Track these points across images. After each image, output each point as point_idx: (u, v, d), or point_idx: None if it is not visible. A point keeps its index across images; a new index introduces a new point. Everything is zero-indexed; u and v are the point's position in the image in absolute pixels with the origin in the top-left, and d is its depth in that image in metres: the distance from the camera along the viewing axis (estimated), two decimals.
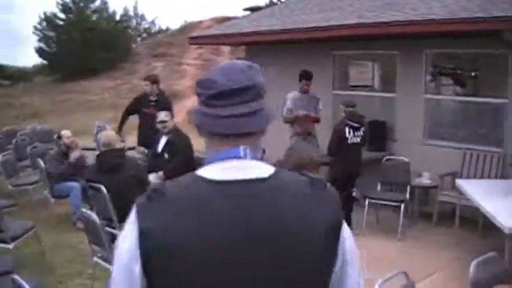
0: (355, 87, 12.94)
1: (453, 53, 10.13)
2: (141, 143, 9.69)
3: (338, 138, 8.40)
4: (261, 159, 1.71)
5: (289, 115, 9.39)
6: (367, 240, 7.94)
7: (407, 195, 8.69)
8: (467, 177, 9.04)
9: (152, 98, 9.71)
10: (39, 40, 34.94)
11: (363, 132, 8.48)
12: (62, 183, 9.14)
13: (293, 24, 10.68)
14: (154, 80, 9.81)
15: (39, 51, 35.10)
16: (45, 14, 34.77)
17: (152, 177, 8.48)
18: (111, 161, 7.23)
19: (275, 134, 9.99)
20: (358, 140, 8.44)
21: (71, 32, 33.96)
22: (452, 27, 8.37)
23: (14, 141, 12.92)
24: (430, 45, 9.67)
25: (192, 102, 25.83)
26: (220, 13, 38.41)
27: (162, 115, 8.84)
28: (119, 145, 7.55)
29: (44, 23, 35.07)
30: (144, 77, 9.97)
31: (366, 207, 8.52)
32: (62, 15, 35.28)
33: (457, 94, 10.41)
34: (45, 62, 36.29)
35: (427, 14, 8.83)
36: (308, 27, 10.15)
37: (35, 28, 35.02)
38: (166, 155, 8.72)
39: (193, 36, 14.88)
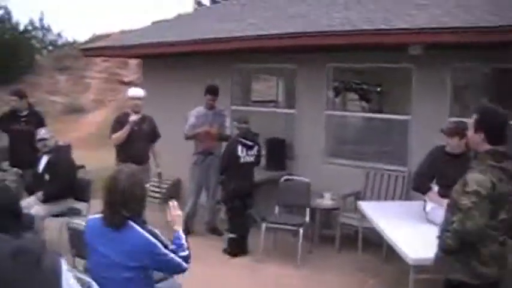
0: (256, 103, 12.51)
1: (357, 67, 9.72)
2: (14, 163, 8.80)
3: (229, 156, 7.90)
4: None
5: (190, 132, 8.86)
6: (264, 267, 7.58)
7: (307, 218, 8.13)
8: (371, 197, 8.58)
9: (22, 114, 8.79)
10: None
11: (257, 151, 7.99)
12: None
13: (190, 35, 10.00)
14: (22, 95, 8.87)
15: None
16: None
17: (31, 200, 7.88)
18: None
19: (180, 152, 9.59)
20: (252, 159, 7.95)
21: None
22: (354, 40, 7.89)
23: None
24: (331, 59, 9.18)
25: (94, 116, 25.00)
26: (129, 26, 37.56)
27: (42, 132, 8.09)
28: None
29: None
30: (10, 92, 8.99)
31: (263, 231, 7.91)
32: None
33: (361, 110, 10.01)
34: None
35: (328, 25, 8.32)
36: (204, 39, 9.50)
37: None
38: (47, 176, 7.98)
39: (85, 47, 13.97)
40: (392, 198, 8.40)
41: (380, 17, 8.28)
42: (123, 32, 33.54)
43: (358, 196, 8.52)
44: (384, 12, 8.56)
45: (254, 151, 7.94)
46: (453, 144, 6.09)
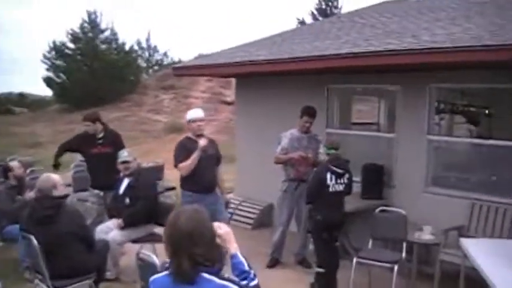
0: (357, 125, 11.86)
1: (462, 88, 8.92)
2: (95, 185, 8.71)
3: (318, 184, 7.22)
4: None
5: (282, 155, 8.33)
6: None
7: (403, 254, 7.40)
8: (475, 233, 7.75)
9: (98, 136, 8.69)
10: (48, 69, 34.46)
11: (347, 179, 7.29)
12: (15, 225, 8.04)
13: (282, 54, 9.51)
14: (94, 118, 8.74)
15: (47, 81, 34.58)
16: (54, 42, 34.30)
17: (111, 224, 7.72)
18: (42, 213, 6.11)
19: (272, 175, 9.15)
20: (341, 188, 7.24)
21: (79, 62, 33.57)
22: (458, 58, 7.08)
23: None
24: (433, 79, 8.42)
25: None
26: (235, 42, 37.80)
27: (124, 154, 7.88)
28: (58, 191, 6.33)
29: (53, 52, 34.56)
30: (83, 117, 8.84)
31: (354, 265, 7.25)
32: (71, 45, 34.77)
33: (467, 135, 9.16)
34: (51, 91, 35.91)
35: (430, 42, 7.57)
36: (296, 57, 8.96)
37: (44, 57, 34.54)
38: (127, 200, 7.73)
39: (177, 66, 13.80)
40: (500, 236, 7.52)
41: (488, 31, 7.47)
42: (230, 49, 33.73)
43: (461, 231, 7.70)
44: (492, 26, 7.74)
45: (344, 179, 7.27)
46: None
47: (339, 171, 7.18)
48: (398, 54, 7.54)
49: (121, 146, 8.41)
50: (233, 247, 3.36)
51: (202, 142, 7.35)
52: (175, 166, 7.52)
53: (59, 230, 6.05)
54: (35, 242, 5.98)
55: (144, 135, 26.58)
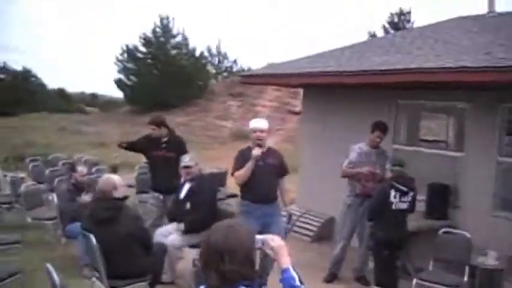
0: (424, 142, 11.60)
1: None
2: (156, 188, 8.84)
3: (381, 201, 7.06)
4: None
5: (350, 169, 8.19)
6: None
7: (465, 278, 7.14)
8: None
9: (163, 140, 8.82)
10: (119, 71, 35.10)
11: (411, 197, 7.09)
12: (76, 223, 8.17)
13: (351, 66, 9.37)
14: (160, 123, 8.85)
15: (118, 83, 35.22)
16: (127, 46, 34.90)
17: (171, 227, 7.72)
18: (102, 214, 6.19)
19: (335, 188, 8.98)
20: (405, 206, 7.07)
21: (150, 66, 34.07)
22: None
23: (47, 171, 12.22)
24: (507, 98, 8.12)
25: None
26: (305, 53, 37.68)
27: (186, 159, 7.87)
28: (118, 193, 6.37)
29: (125, 55, 35.18)
30: (149, 121, 8.97)
31: (413, 286, 7.05)
32: (143, 49, 35.34)
33: None
34: (121, 93, 36.59)
35: (504, 60, 7.30)
36: (365, 70, 8.81)
37: (117, 59, 35.18)
38: (188, 205, 7.69)
39: (245, 74, 13.79)
40: None
41: None
42: (297, 60, 33.70)
43: None
44: None
45: (409, 197, 7.08)
46: None
47: (403, 188, 7.00)
48: (470, 72, 7.30)
49: (184, 152, 8.39)
50: (285, 261, 3.20)
51: (255, 152, 7.18)
52: (232, 174, 7.47)
53: (118, 231, 6.09)
54: (94, 241, 6.05)
55: (210, 141, 26.74)
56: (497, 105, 8.24)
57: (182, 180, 8.00)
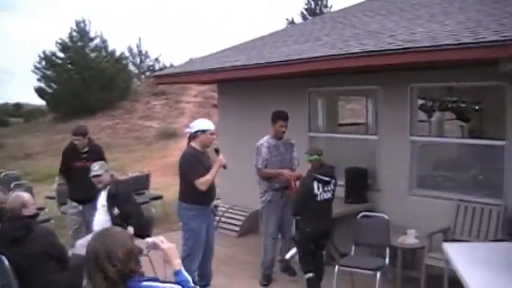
0: (344, 126, 11.72)
1: (442, 86, 8.74)
2: (75, 198, 8.84)
3: (305, 195, 7.00)
4: None
5: (269, 170, 8.05)
6: None
7: (387, 259, 7.21)
8: (461, 235, 7.57)
9: (83, 150, 8.79)
10: (39, 80, 34.35)
11: (333, 185, 7.07)
12: None
13: (259, 59, 9.32)
14: (85, 133, 8.85)
15: (39, 91, 34.46)
16: (44, 53, 34.17)
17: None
18: (12, 234, 5.93)
19: (251, 183, 8.87)
20: (329, 195, 7.04)
21: (70, 71, 33.47)
22: (435, 57, 6.88)
23: None
24: (414, 79, 8.23)
25: (186, 142, 24.57)
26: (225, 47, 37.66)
27: (95, 168, 7.67)
28: (28, 211, 6.14)
29: (43, 62, 34.43)
30: (73, 131, 8.84)
31: (336, 273, 7.08)
32: (61, 54, 34.65)
33: (459, 132, 8.96)
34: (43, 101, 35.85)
35: (406, 42, 7.37)
36: (272, 62, 8.79)
37: (35, 67, 34.41)
38: (116, 210, 7.49)
39: (158, 74, 13.59)
40: (486, 237, 7.34)
41: (466, 28, 7.27)
42: (210, 55, 33.64)
43: (447, 233, 7.52)
44: (472, 23, 7.53)
45: (331, 185, 7.06)
46: None
47: (325, 178, 6.97)
48: (375, 55, 7.35)
49: (103, 159, 8.38)
50: (177, 263, 3.27)
51: (222, 158, 7.09)
52: (192, 181, 7.04)
53: (30, 250, 5.86)
54: (6, 262, 5.81)
55: (135, 143, 26.44)
56: (407, 85, 8.33)
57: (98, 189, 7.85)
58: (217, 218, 9.39)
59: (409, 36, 7.62)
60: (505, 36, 6.30)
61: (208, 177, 7.01)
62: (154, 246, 3.29)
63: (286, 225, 8.15)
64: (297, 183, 7.70)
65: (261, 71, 9.00)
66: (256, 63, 9.09)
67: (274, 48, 10.01)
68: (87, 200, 8.17)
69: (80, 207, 8.61)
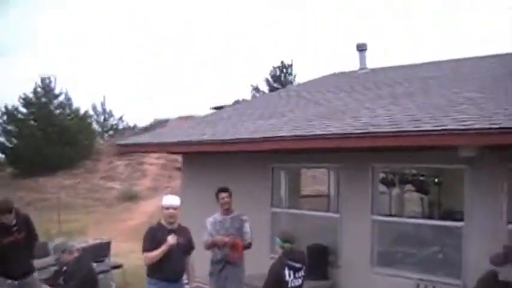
0: (306, 198, 11.83)
1: (404, 167, 8.95)
2: (7, 274, 7.97)
3: (275, 282, 6.73)
4: None
5: (209, 243, 8.04)
6: None
7: None
8: None
9: (12, 224, 7.85)
10: None
11: (304, 271, 7.02)
12: None
13: (225, 135, 9.47)
14: (11, 208, 7.82)
15: None
16: (6, 107, 33.89)
17: None
18: None
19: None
20: (300, 282, 6.92)
21: (32, 127, 33.24)
22: (396, 142, 7.10)
23: None
24: (376, 159, 8.44)
25: (148, 204, 24.49)
26: (187, 111, 37.97)
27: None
28: None
29: (5, 117, 34.16)
30: (2, 209, 7.89)
31: None
32: (24, 110, 34.46)
33: (418, 206, 9.15)
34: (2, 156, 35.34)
35: (369, 125, 7.58)
36: (237, 139, 8.95)
37: None
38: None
39: (122, 143, 13.55)
40: None
41: (427, 115, 7.51)
42: (181, 118, 33.79)
43: None
44: (432, 108, 7.79)
45: (302, 272, 6.91)
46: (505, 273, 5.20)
47: (297, 265, 6.86)
48: (338, 138, 7.54)
49: (32, 227, 8.01)
50: None
51: (171, 240, 7.00)
52: (142, 253, 7.16)
53: None
54: None
55: (95, 204, 26.20)
56: (368, 165, 8.51)
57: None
58: None
59: (371, 119, 7.85)
60: (465, 125, 6.57)
61: (154, 253, 7.02)
62: None
63: None
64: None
65: (225, 147, 9.13)
66: (221, 140, 9.22)
67: (240, 122, 10.16)
68: (26, 273, 7.88)
69: (16, 283, 7.88)
